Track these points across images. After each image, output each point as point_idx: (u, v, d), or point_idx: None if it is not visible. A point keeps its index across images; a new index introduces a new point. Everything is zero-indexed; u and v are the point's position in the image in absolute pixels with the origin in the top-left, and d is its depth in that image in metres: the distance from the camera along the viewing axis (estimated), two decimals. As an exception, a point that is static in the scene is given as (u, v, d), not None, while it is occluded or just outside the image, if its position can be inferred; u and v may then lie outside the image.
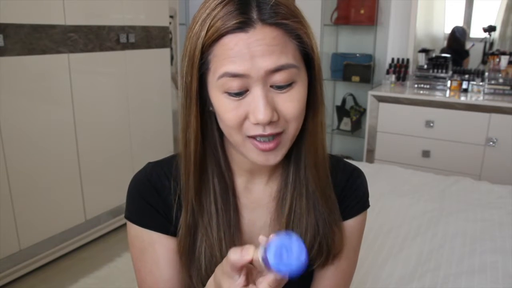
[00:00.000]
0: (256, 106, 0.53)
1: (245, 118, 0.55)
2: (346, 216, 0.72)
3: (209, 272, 0.63)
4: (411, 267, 1.30)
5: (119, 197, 2.40)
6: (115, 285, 1.96)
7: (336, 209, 0.69)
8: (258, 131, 0.55)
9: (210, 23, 0.53)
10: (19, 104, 1.86)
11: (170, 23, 2.74)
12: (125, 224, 0.73)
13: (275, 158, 0.58)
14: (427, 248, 1.41)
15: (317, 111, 0.62)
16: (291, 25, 0.54)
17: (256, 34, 0.52)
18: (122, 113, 2.43)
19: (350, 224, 0.73)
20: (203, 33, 0.53)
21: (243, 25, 0.52)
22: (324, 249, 0.67)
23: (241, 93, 0.54)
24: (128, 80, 2.43)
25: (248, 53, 0.52)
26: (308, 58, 0.59)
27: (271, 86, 0.55)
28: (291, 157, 0.66)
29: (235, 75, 0.53)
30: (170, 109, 2.83)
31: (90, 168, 2.24)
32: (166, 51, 2.70)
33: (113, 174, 2.38)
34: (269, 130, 0.55)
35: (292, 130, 0.58)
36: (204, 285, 0.62)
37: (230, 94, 0.54)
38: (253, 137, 0.56)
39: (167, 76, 2.77)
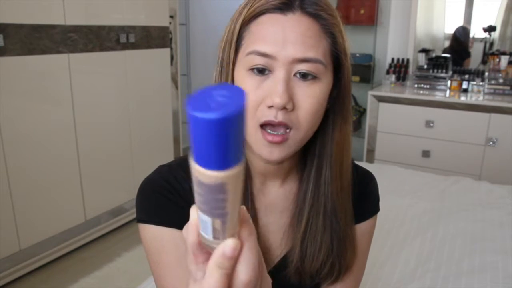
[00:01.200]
0: (275, 88, 0.54)
1: (262, 102, 0.55)
2: (357, 220, 0.71)
3: None
4: (411, 267, 1.30)
5: (119, 197, 2.40)
6: (115, 285, 1.96)
7: (352, 225, 0.68)
8: (270, 116, 0.55)
9: (254, 1, 0.56)
10: (19, 104, 1.86)
11: (170, 23, 2.74)
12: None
13: (280, 153, 0.57)
14: (427, 248, 1.41)
15: (346, 121, 0.62)
16: (328, 19, 0.56)
17: (294, 19, 0.54)
18: (122, 113, 2.43)
19: (360, 228, 0.72)
20: (246, 9, 0.56)
21: (284, 7, 0.55)
22: (335, 268, 0.66)
23: (264, 71, 0.55)
24: (128, 80, 2.43)
25: (282, 36, 0.54)
26: (338, 64, 0.59)
27: (295, 75, 0.55)
28: (312, 171, 0.64)
29: (263, 54, 0.54)
30: (170, 109, 2.83)
31: (90, 168, 2.24)
32: (166, 51, 2.70)
33: (113, 174, 2.38)
34: (280, 117, 0.54)
35: (302, 131, 0.57)
36: None
37: (253, 71, 0.55)
38: (264, 127, 0.56)
39: (167, 76, 2.77)
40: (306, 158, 0.66)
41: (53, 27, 1.94)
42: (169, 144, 2.85)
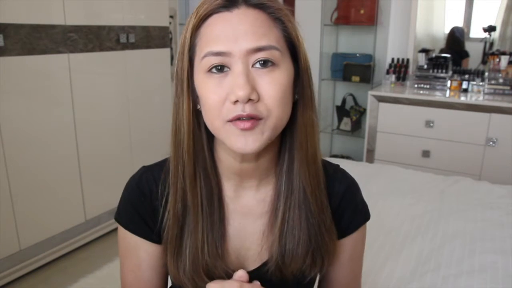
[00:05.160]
0: (236, 82, 0.54)
1: (225, 99, 0.55)
2: (351, 229, 0.72)
3: (192, 271, 0.64)
4: (411, 267, 1.30)
5: (119, 197, 2.40)
6: (115, 285, 1.96)
7: (327, 215, 0.67)
8: (238, 111, 0.54)
9: (199, 7, 0.57)
10: (19, 104, 1.86)
11: (170, 23, 2.74)
12: None
13: (253, 142, 0.56)
14: (427, 248, 1.41)
15: (306, 105, 0.62)
16: (273, 7, 0.57)
17: (240, 13, 0.55)
18: (122, 113, 2.43)
19: (354, 237, 0.73)
20: (193, 17, 0.57)
21: (228, 4, 0.55)
22: (317, 261, 0.67)
23: (222, 68, 0.55)
24: (128, 80, 2.43)
25: (231, 32, 0.54)
26: (294, 50, 0.59)
27: (253, 66, 0.55)
28: (284, 165, 0.65)
29: (217, 53, 0.54)
30: (170, 109, 2.82)
31: (90, 168, 2.24)
32: (166, 51, 2.70)
33: (113, 174, 2.38)
34: (248, 110, 0.54)
35: (273, 118, 0.56)
36: (189, 280, 0.64)
37: (212, 72, 0.55)
38: (233, 121, 0.56)
39: (167, 76, 2.76)
40: (279, 156, 0.66)
41: (53, 27, 1.94)
42: (169, 144, 2.85)
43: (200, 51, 0.57)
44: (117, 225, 0.73)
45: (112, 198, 2.38)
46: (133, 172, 0.71)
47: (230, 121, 0.55)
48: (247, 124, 0.55)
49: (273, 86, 0.55)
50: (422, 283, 1.22)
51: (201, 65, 0.56)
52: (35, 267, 2.03)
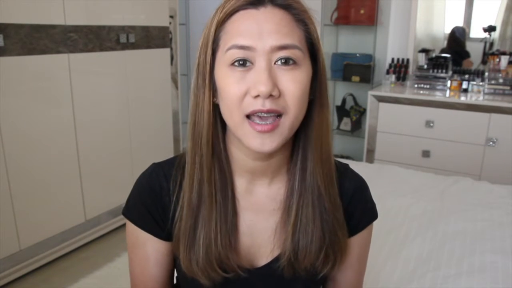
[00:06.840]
0: (259, 77, 0.55)
1: (246, 93, 0.56)
2: (360, 227, 0.73)
3: (206, 263, 0.64)
4: (411, 267, 1.30)
5: (119, 197, 2.40)
6: (115, 285, 1.96)
7: (340, 213, 0.68)
8: (258, 105, 0.56)
9: (225, 3, 0.58)
10: (19, 104, 1.86)
11: (170, 23, 2.74)
12: (125, 224, 0.74)
13: (271, 143, 0.57)
14: (427, 248, 1.41)
15: (323, 106, 0.63)
16: (299, 9, 0.58)
17: (266, 12, 0.56)
18: (122, 113, 2.43)
19: (362, 236, 0.74)
20: (219, 11, 0.58)
21: (255, 1, 0.57)
22: (330, 258, 0.67)
23: (245, 63, 0.56)
24: (128, 80, 2.43)
25: (257, 28, 0.55)
26: (313, 51, 0.61)
27: (276, 63, 0.56)
28: (297, 163, 0.66)
29: (242, 47, 0.56)
30: (170, 109, 2.83)
31: (90, 168, 2.24)
32: (166, 51, 2.70)
33: (113, 174, 2.38)
34: (268, 105, 0.55)
35: (291, 116, 0.57)
36: (203, 272, 0.65)
37: (235, 65, 0.56)
38: (252, 117, 0.57)
39: (167, 76, 2.76)
40: (292, 154, 0.67)
41: (53, 27, 1.94)
42: (169, 144, 2.85)
43: (224, 44, 0.58)
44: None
45: (112, 198, 2.40)
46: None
47: (249, 115, 0.57)
48: (265, 128, 0.56)
49: (293, 84, 0.57)
50: (422, 283, 1.22)
51: (224, 58, 0.57)
52: (35, 267, 2.03)
